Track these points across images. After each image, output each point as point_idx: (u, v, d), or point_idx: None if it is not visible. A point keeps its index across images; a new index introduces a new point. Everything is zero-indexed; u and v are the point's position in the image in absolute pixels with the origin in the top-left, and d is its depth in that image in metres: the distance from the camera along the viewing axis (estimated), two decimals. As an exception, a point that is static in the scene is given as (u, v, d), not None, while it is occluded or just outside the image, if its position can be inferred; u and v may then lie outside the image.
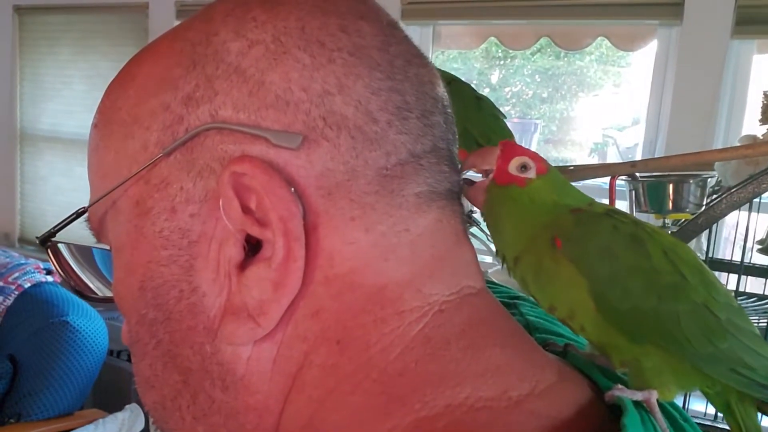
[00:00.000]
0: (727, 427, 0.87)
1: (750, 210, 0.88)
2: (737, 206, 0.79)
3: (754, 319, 1.05)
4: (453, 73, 1.04)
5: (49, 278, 1.86)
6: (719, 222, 1.69)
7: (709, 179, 0.97)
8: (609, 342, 0.36)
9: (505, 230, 0.39)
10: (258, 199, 0.30)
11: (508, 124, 1.11)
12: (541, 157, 0.39)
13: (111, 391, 2.22)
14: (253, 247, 0.31)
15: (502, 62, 2.75)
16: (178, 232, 0.31)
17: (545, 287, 0.37)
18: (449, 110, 0.36)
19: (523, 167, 0.38)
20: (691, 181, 0.94)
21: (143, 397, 0.35)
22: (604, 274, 0.35)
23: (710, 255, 1.10)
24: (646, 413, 0.33)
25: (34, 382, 1.62)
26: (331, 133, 0.30)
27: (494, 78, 2.80)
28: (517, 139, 1.08)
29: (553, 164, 0.40)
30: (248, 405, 0.32)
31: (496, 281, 0.66)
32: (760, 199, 0.91)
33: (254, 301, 0.30)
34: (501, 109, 1.04)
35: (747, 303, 1.12)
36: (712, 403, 0.40)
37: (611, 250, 0.36)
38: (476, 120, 1.00)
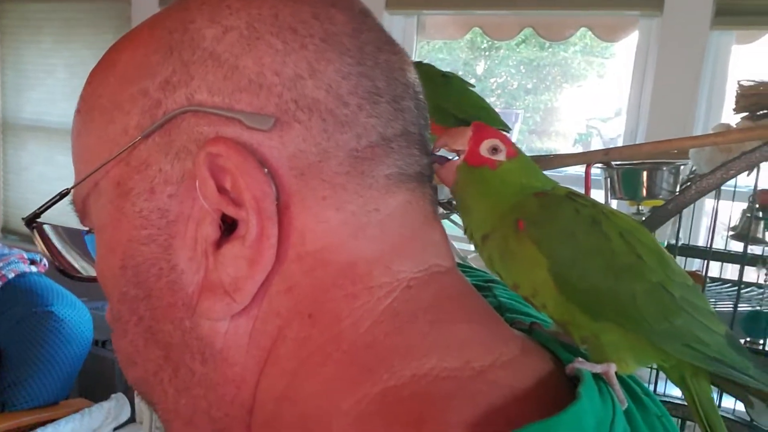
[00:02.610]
0: (735, 418, 0.90)
1: (718, 197, 0.90)
2: (706, 192, 0.81)
3: (728, 304, 1.08)
4: (439, 63, 1.06)
5: (33, 268, 1.86)
6: (699, 211, 1.73)
7: (682, 167, 1.00)
8: (569, 319, 0.38)
9: (474, 210, 0.40)
10: (233, 179, 0.31)
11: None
12: (511, 141, 0.40)
13: (97, 380, 2.22)
14: (229, 226, 0.32)
15: (487, 53, 2.77)
16: (156, 212, 0.33)
17: (510, 266, 0.39)
18: (421, 96, 0.37)
19: (494, 149, 0.39)
20: (665, 169, 0.97)
21: (126, 374, 0.37)
22: (564, 255, 0.37)
23: (682, 241, 1.13)
24: (605, 385, 0.35)
25: (18, 372, 1.62)
26: (303, 116, 0.32)
27: (479, 69, 2.81)
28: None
29: (535, 154, 0.41)
30: (226, 377, 0.33)
31: (474, 266, 0.68)
32: (735, 188, 0.94)
33: (230, 278, 0.31)
34: (486, 99, 1.06)
35: (722, 289, 1.14)
36: (668, 377, 0.41)
37: (571, 232, 0.37)
38: (447, 95, 1.01)
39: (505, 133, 0.44)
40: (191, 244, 0.32)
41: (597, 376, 0.35)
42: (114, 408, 1.69)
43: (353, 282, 0.32)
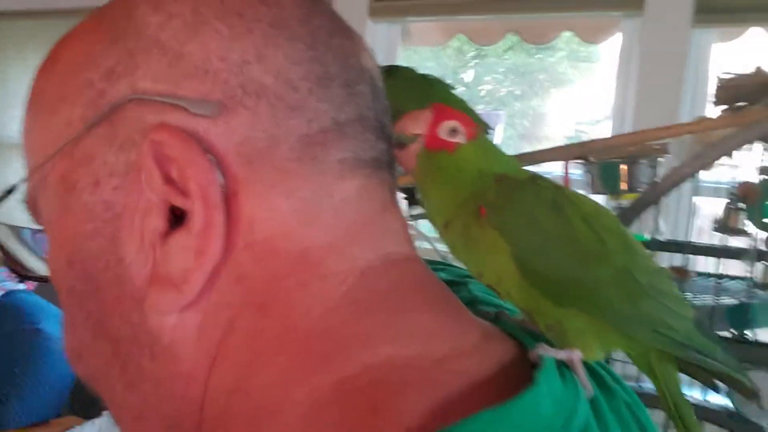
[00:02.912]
0: (716, 407, 0.90)
1: (697, 191, 0.90)
2: (682, 181, 0.81)
3: (708, 297, 1.08)
4: (427, 71, 1.07)
5: (21, 286, 1.84)
6: (688, 208, 1.73)
7: (660, 160, 1.00)
8: (534, 306, 0.37)
9: (434, 196, 0.39)
10: (178, 168, 0.30)
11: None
12: (472, 122, 0.39)
13: (89, 397, 2.20)
14: (178, 217, 0.31)
15: (474, 61, 2.78)
16: (102, 205, 0.32)
17: (473, 254, 0.38)
18: (378, 82, 0.37)
19: (453, 131, 0.38)
20: (643, 162, 0.97)
21: (73, 368, 0.36)
22: (526, 242, 0.36)
23: (666, 237, 1.12)
24: (569, 371, 0.34)
25: (5, 390, 1.60)
26: (251, 102, 0.31)
27: (468, 77, 2.83)
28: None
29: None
30: (175, 372, 0.32)
31: (451, 263, 0.67)
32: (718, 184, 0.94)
33: (177, 270, 0.30)
34: (476, 107, 1.06)
35: (705, 282, 1.14)
36: (634, 363, 0.41)
37: (533, 218, 0.36)
38: (429, 97, 1.02)
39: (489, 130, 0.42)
40: (138, 236, 0.31)
41: (562, 363, 0.34)
42: (105, 424, 1.67)
43: (306, 270, 0.32)
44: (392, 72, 1.01)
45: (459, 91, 2.85)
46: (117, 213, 0.32)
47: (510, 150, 2.64)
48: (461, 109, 1.05)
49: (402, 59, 2.59)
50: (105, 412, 1.70)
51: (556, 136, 2.71)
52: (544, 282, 0.36)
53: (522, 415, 0.28)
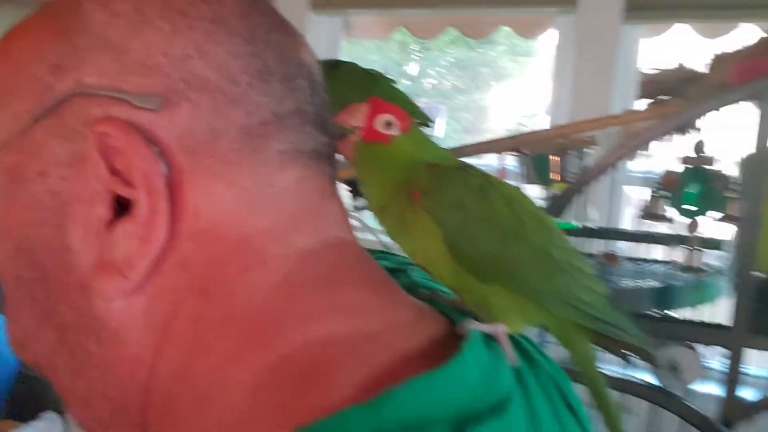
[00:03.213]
0: (639, 381, 0.95)
1: (616, 181, 0.95)
2: (605, 169, 0.86)
3: (639, 280, 1.14)
4: (371, 64, 1.08)
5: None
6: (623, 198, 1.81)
7: (588, 151, 1.05)
8: (462, 284, 0.40)
9: (371, 184, 0.41)
10: (123, 159, 0.31)
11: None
12: (406, 115, 0.42)
13: (27, 400, 2.13)
14: (123, 207, 0.32)
15: (418, 54, 2.81)
16: (49, 195, 0.33)
17: (407, 236, 0.40)
18: (317, 77, 0.38)
19: (388, 124, 0.40)
20: (571, 153, 1.02)
21: (20, 357, 0.37)
22: (455, 223, 0.38)
23: (600, 225, 1.19)
24: (496, 344, 0.37)
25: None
26: (193, 95, 0.32)
27: (412, 70, 2.86)
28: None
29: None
30: (122, 357, 0.34)
31: (395, 253, 0.69)
32: (643, 173, 0.99)
33: (122, 257, 0.32)
34: (421, 100, 1.09)
35: (634, 266, 1.21)
36: (553, 335, 0.44)
37: (461, 202, 0.39)
38: (375, 92, 1.04)
39: (428, 125, 0.45)
40: (84, 224, 0.32)
41: (490, 337, 0.36)
42: (44, 427, 1.63)
43: (247, 255, 0.33)
44: (337, 66, 1.03)
45: (403, 84, 2.86)
46: (63, 202, 0.33)
47: (453, 142, 2.69)
48: (403, 103, 1.08)
49: (345, 52, 2.60)
50: (43, 415, 1.66)
51: (497, 128, 2.77)
52: (470, 260, 0.39)
53: (449, 382, 0.30)
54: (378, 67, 2.82)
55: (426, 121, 1.05)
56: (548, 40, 2.29)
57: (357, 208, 1.14)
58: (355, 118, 0.41)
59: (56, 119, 0.33)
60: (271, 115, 0.34)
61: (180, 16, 0.33)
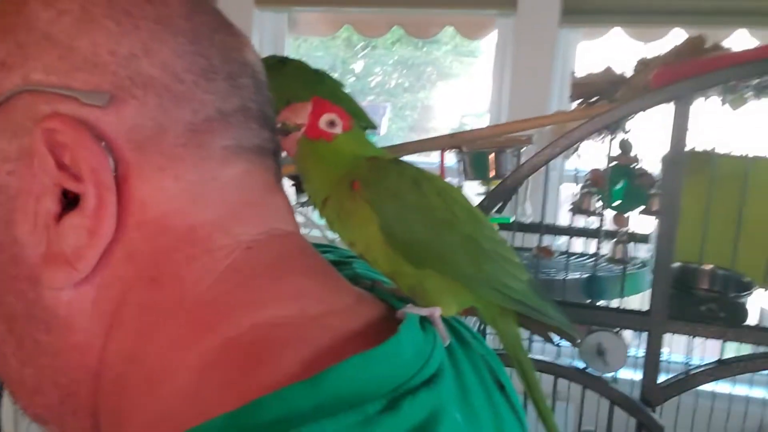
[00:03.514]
0: (568, 366, 1.01)
1: (548, 178, 1.00)
2: (537, 168, 0.91)
3: (575, 273, 1.21)
4: (316, 61, 1.09)
5: None
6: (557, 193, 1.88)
7: (523, 149, 1.11)
8: (397, 270, 0.42)
9: (314, 178, 0.43)
10: (71, 154, 0.32)
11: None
12: (347, 115, 0.44)
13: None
14: (72, 201, 0.33)
15: (363, 52, 2.83)
16: None
17: (346, 226, 0.42)
18: (260, 75, 0.40)
19: (331, 123, 0.42)
20: (508, 151, 1.07)
21: None
22: (391, 212, 0.41)
23: (531, 219, 1.24)
24: (431, 326, 0.39)
25: None
26: (139, 92, 0.34)
27: (357, 67, 2.87)
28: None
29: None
30: (71, 344, 0.35)
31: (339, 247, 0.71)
32: (576, 171, 1.05)
33: (71, 248, 0.33)
34: (366, 98, 1.11)
35: (568, 259, 1.27)
36: (482, 317, 0.47)
37: (397, 191, 0.41)
38: (321, 91, 1.05)
39: (373, 128, 0.46)
40: (32, 218, 0.33)
41: (425, 320, 0.39)
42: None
43: (193, 245, 0.35)
44: (285, 63, 1.04)
45: (349, 81, 2.87)
46: (11, 196, 0.34)
47: (398, 140, 2.71)
48: (348, 105, 1.10)
49: (290, 48, 2.60)
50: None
51: (442, 127, 2.81)
52: (405, 247, 0.41)
53: (385, 359, 0.32)
54: (323, 64, 2.81)
55: (370, 125, 1.07)
56: (491, 40, 2.35)
57: (301, 204, 1.16)
58: (299, 115, 0.42)
59: (3, 115, 0.33)
60: (215, 112, 0.36)
61: (126, 16, 0.34)
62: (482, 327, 1.09)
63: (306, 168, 0.44)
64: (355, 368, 0.31)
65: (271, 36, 2.50)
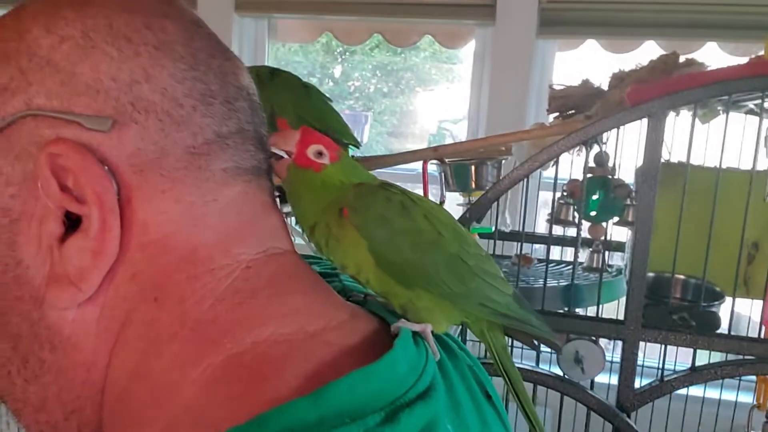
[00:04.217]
0: (547, 372, 1.04)
1: (527, 189, 1.03)
2: (517, 181, 0.93)
3: (554, 281, 1.24)
4: (295, 66, 1.09)
5: None
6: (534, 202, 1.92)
7: (504, 161, 1.13)
8: (388, 290, 0.44)
9: (302, 205, 0.45)
10: (74, 177, 0.33)
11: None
12: (335, 145, 0.45)
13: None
14: (73, 222, 0.34)
15: (342, 57, 2.83)
16: (0, 213, 0.34)
17: (336, 250, 0.44)
18: (255, 98, 0.41)
19: (319, 153, 0.44)
20: (489, 163, 1.10)
21: None
22: (380, 236, 0.43)
23: (511, 228, 1.27)
24: (423, 341, 0.41)
25: None
26: (140, 117, 0.35)
27: (336, 72, 2.87)
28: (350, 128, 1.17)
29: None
30: (76, 362, 0.36)
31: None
32: (556, 180, 1.08)
33: (75, 269, 0.34)
34: (345, 102, 1.11)
35: (550, 267, 1.30)
36: (471, 331, 0.49)
37: (385, 216, 0.43)
38: (308, 106, 1.06)
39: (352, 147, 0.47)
40: (36, 240, 0.34)
41: (416, 335, 0.41)
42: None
43: (195, 266, 0.36)
44: (275, 74, 1.04)
45: (328, 87, 2.86)
46: (14, 219, 0.34)
47: (378, 146, 2.72)
48: (334, 121, 1.10)
49: (270, 54, 2.60)
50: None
51: (421, 133, 2.83)
52: (395, 268, 0.43)
53: (383, 373, 0.34)
54: (303, 69, 2.79)
55: (355, 143, 1.08)
56: (471, 48, 2.38)
57: (286, 215, 1.16)
58: (287, 143, 0.44)
59: (5, 140, 0.34)
60: (214, 135, 0.37)
61: (126, 42, 0.35)
62: (463, 337, 1.11)
63: (294, 193, 0.45)
64: (355, 382, 0.32)
65: (250, 42, 2.50)
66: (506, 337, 0.50)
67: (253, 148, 0.40)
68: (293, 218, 0.47)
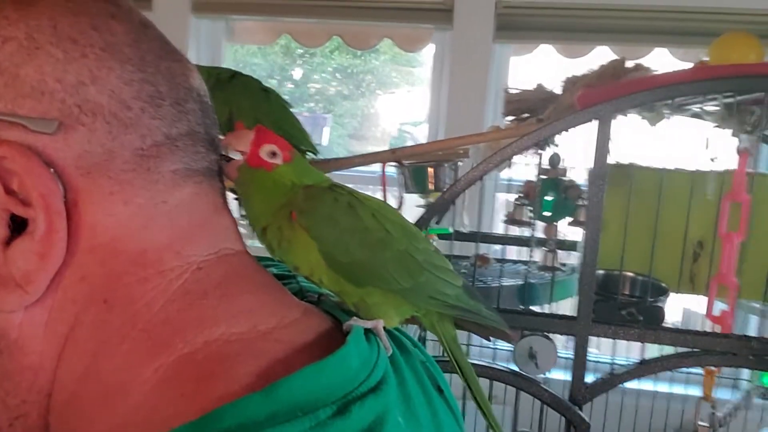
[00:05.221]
0: (502, 368, 1.06)
1: (485, 190, 1.05)
2: (472, 182, 0.96)
3: (511, 280, 1.27)
4: (254, 68, 1.09)
5: None
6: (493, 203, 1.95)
7: (460, 163, 1.16)
8: (341, 289, 0.45)
9: (253, 206, 0.45)
10: (19, 180, 0.33)
11: (300, 118, 1.20)
12: (289, 146, 0.45)
13: None
14: (19, 225, 0.34)
15: (302, 59, 2.82)
16: None
17: (288, 252, 0.44)
18: (206, 99, 0.41)
19: (273, 154, 0.44)
20: (446, 165, 1.12)
21: None
22: (328, 236, 0.43)
23: (470, 229, 1.30)
24: (375, 337, 0.42)
25: None
26: (87, 119, 0.34)
27: (296, 75, 2.86)
28: (309, 131, 1.18)
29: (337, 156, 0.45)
30: (23, 365, 0.35)
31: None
32: (510, 181, 1.10)
33: (21, 272, 0.33)
34: (305, 105, 1.12)
35: (503, 267, 1.33)
36: (422, 324, 0.50)
37: (332, 217, 0.43)
38: (267, 110, 1.06)
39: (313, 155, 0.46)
40: None
41: (369, 331, 0.42)
42: None
43: (145, 267, 0.36)
44: (235, 77, 1.04)
45: (288, 89, 2.84)
46: None
47: (339, 148, 2.72)
48: (292, 126, 1.10)
49: (228, 55, 2.58)
50: None
51: (382, 135, 2.85)
52: (345, 268, 0.43)
53: (334, 368, 0.34)
54: (261, 71, 2.77)
55: (313, 150, 1.08)
56: (430, 51, 2.41)
57: (243, 217, 1.16)
58: (241, 143, 0.44)
59: None
60: (163, 137, 0.37)
61: (72, 44, 0.34)
62: (423, 335, 1.13)
63: (246, 194, 0.45)
64: (307, 378, 0.33)
65: (208, 43, 2.48)
66: (461, 334, 0.52)
67: (204, 150, 0.39)
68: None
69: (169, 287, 0.36)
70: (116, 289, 0.35)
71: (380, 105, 2.82)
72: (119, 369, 0.34)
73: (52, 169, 0.34)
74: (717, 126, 1.10)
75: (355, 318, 0.42)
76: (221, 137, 0.43)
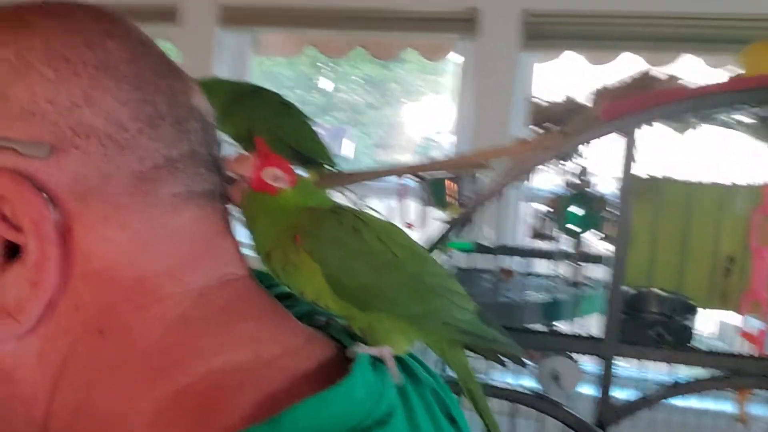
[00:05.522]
0: (525, 391, 1.03)
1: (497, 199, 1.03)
2: (495, 194, 0.93)
3: (530, 293, 1.24)
4: (281, 79, 1.09)
5: None
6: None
7: (480, 175, 1.14)
8: (347, 314, 0.43)
9: (258, 230, 0.44)
10: (11, 206, 0.32)
11: (319, 131, 1.19)
12: (292, 169, 0.44)
13: None
14: (11, 251, 0.33)
15: (329, 70, 2.83)
16: None
17: (293, 277, 0.43)
18: (209, 118, 0.40)
19: (276, 178, 0.43)
20: (466, 177, 1.10)
21: None
22: (333, 260, 0.42)
23: (498, 243, 1.28)
24: (383, 365, 0.40)
25: None
26: (81, 142, 0.33)
27: (322, 84, 2.87)
28: (328, 143, 1.16)
29: (382, 165, 0.43)
30: (15, 395, 0.34)
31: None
32: (533, 194, 1.07)
33: (13, 301, 0.32)
34: (331, 114, 1.11)
35: (525, 281, 1.30)
36: (432, 350, 0.49)
37: (337, 240, 0.42)
38: (287, 126, 1.05)
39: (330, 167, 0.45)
40: None
41: (377, 359, 0.40)
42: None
43: (142, 295, 0.35)
44: (256, 92, 1.03)
45: (314, 98, 2.85)
46: None
47: (365, 157, 2.72)
48: (310, 140, 1.08)
49: (255, 67, 2.60)
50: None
51: (408, 144, 2.84)
52: (351, 293, 0.42)
53: (339, 400, 0.33)
54: (288, 82, 2.78)
55: (331, 162, 1.07)
56: (455, 59, 2.39)
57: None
58: (244, 167, 0.42)
59: None
60: (162, 159, 0.35)
61: (64, 63, 0.33)
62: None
63: (250, 219, 0.44)
64: (311, 410, 0.32)
65: (234, 56, 2.50)
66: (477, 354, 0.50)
67: (205, 171, 0.38)
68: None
69: (167, 315, 0.35)
70: (111, 318, 0.34)
71: (406, 113, 2.81)
72: (115, 401, 0.33)
73: (44, 194, 0.32)
74: (751, 137, 1.06)
75: (359, 344, 0.41)
76: (229, 155, 0.42)
